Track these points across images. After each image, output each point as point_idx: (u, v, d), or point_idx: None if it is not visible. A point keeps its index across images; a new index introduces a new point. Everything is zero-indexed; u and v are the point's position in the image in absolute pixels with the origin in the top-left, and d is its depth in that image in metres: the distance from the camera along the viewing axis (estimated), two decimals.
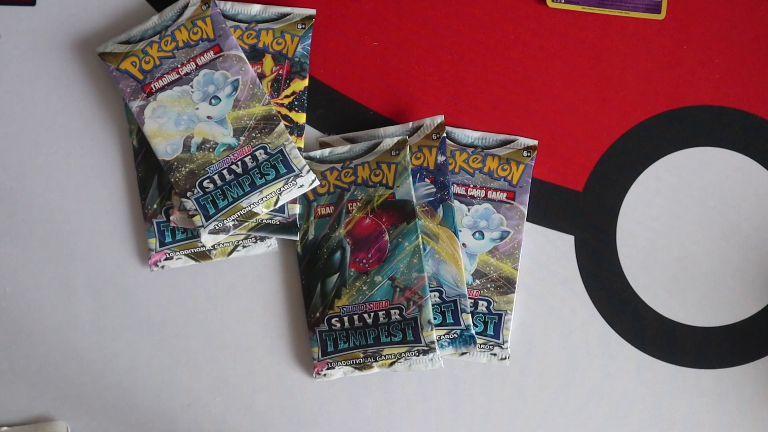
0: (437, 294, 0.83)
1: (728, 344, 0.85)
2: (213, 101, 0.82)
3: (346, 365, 0.83)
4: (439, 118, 0.83)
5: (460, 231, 0.84)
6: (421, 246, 0.82)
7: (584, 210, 0.86)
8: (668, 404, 0.85)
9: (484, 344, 0.84)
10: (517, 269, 0.84)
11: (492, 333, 0.84)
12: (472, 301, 0.84)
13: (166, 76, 0.83)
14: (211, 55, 0.83)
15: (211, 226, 0.81)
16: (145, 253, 0.85)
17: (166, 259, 0.84)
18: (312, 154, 0.84)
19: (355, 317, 0.82)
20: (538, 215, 0.85)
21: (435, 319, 0.82)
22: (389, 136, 0.84)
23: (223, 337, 0.85)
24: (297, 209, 0.84)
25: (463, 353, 0.84)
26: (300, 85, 0.84)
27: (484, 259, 0.84)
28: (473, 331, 0.83)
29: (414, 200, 0.83)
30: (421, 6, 0.85)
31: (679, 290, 0.86)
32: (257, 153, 0.82)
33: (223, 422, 0.85)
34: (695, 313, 0.86)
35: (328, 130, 0.86)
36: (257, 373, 0.85)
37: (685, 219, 0.86)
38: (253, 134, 0.82)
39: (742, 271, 0.86)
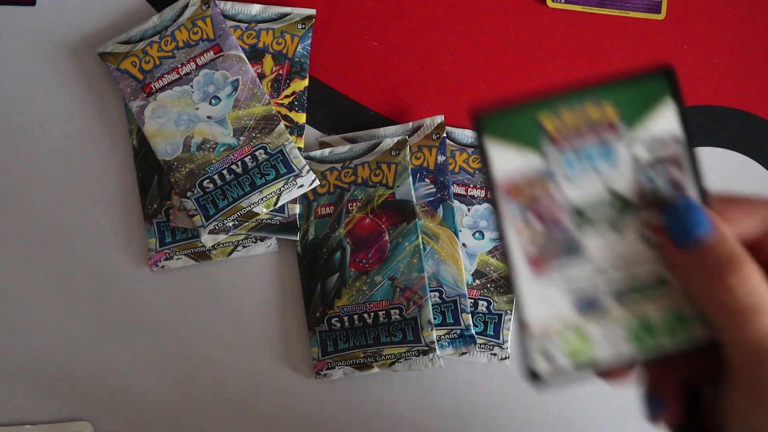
0: (437, 294, 0.83)
1: None
2: (213, 101, 0.83)
3: (346, 365, 0.83)
4: (439, 118, 0.83)
5: (460, 231, 0.84)
6: (421, 246, 0.82)
7: None
8: None
9: (485, 344, 0.84)
10: None
11: (492, 333, 0.84)
12: (472, 301, 0.84)
13: (166, 76, 0.83)
14: (211, 55, 0.83)
15: (211, 226, 0.81)
16: (145, 253, 0.85)
17: (166, 259, 0.84)
18: (312, 154, 0.84)
19: (355, 317, 0.82)
20: None
21: (435, 319, 0.82)
22: (389, 136, 0.84)
23: (222, 337, 0.85)
24: (297, 209, 0.84)
25: (463, 353, 0.84)
26: (300, 85, 0.84)
27: (484, 259, 0.84)
28: (473, 331, 0.83)
29: (414, 200, 0.83)
30: (421, 6, 0.86)
31: None
32: (257, 153, 0.82)
33: (223, 422, 0.85)
34: None
35: (328, 130, 0.86)
36: (257, 373, 0.85)
37: None
38: (253, 134, 0.82)
39: None
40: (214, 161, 0.82)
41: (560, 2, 0.85)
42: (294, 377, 0.85)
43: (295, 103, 0.84)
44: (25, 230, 0.85)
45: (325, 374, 0.84)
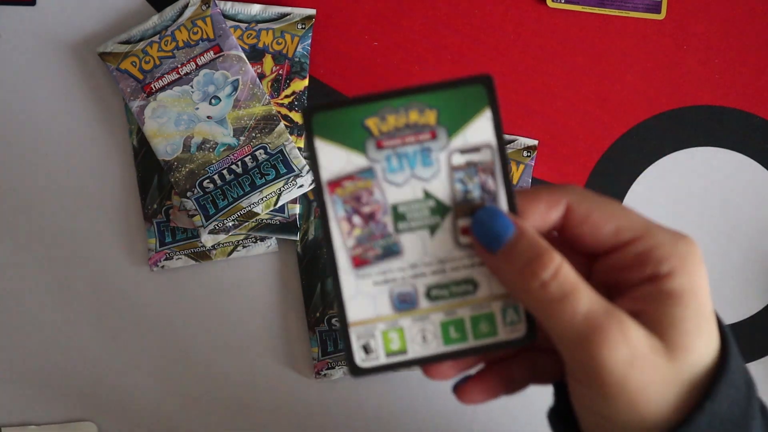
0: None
1: None
2: (213, 101, 0.83)
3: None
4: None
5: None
6: None
7: None
8: None
9: None
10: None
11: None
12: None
13: (166, 76, 0.83)
14: (211, 55, 0.83)
15: (211, 226, 0.81)
16: (145, 253, 0.85)
17: (166, 259, 0.84)
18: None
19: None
20: None
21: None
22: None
23: (223, 337, 0.85)
24: (297, 209, 0.84)
25: None
26: (300, 85, 0.84)
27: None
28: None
29: None
30: (421, 6, 0.85)
31: None
32: (257, 153, 0.82)
33: (223, 422, 0.85)
34: None
35: None
36: (257, 373, 0.85)
37: (685, 219, 0.86)
38: (253, 134, 0.82)
39: (742, 270, 0.86)
40: (214, 161, 0.82)
41: (560, 2, 0.85)
42: (294, 377, 0.85)
43: (295, 103, 0.84)
44: (25, 230, 0.85)
45: (325, 374, 0.84)
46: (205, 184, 0.82)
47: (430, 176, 0.52)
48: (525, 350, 0.56)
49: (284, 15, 0.84)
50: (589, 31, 0.86)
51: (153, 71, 0.83)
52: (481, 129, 0.51)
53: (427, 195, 0.52)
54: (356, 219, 0.52)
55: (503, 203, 0.52)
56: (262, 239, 0.84)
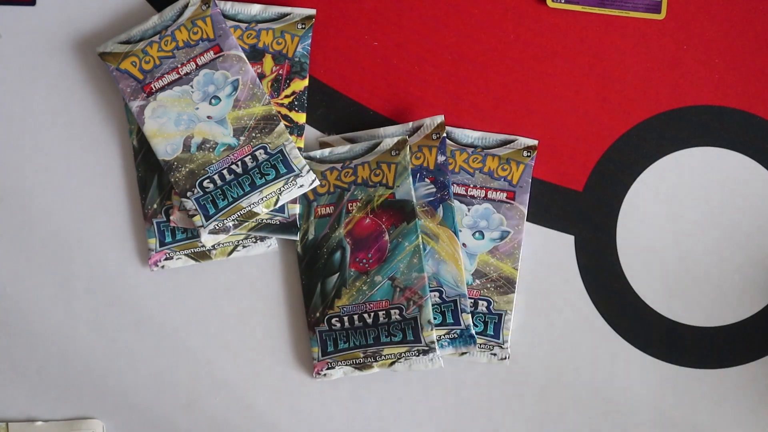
0: (437, 294, 0.83)
1: (728, 344, 0.85)
2: (213, 101, 0.82)
3: (346, 365, 0.83)
4: (439, 118, 0.83)
5: (460, 231, 0.84)
6: (421, 246, 0.82)
7: (584, 210, 0.86)
8: (668, 404, 0.85)
9: (485, 344, 0.84)
10: (517, 269, 0.84)
11: (492, 333, 0.84)
12: (472, 300, 0.84)
13: (166, 76, 0.83)
14: (211, 55, 0.83)
15: (211, 226, 0.81)
16: (145, 253, 0.85)
17: (166, 259, 0.84)
18: (312, 154, 0.84)
19: (355, 317, 0.82)
20: (539, 215, 0.85)
21: (435, 319, 0.82)
22: (389, 135, 0.84)
23: (223, 337, 0.85)
24: (297, 209, 0.84)
25: (463, 353, 0.84)
26: (300, 85, 0.84)
27: (484, 259, 0.84)
28: (473, 331, 0.83)
29: (414, 200, 0.83)
30: (421, 6, 0.85)
31: (680, 290, 0.86)
32: (257, 153, 0.82)
33: (223, 422, 0.85)
34: (696, 313, 0.85)
35: (328, 130, 0.86)
36: (257, 373, 0.85)
37: (685, 219, 0.86)
38: (253, 134, 0.82)
39: (742, 270, 0.85)
40: (214, 161, 0.82)
41: (560, 2, 0.85)
42: (294, 377, 0.85)
43: (295, 103, 0.84)
44: (25, 230, 0.85)
45: (325, 374, 0.84)
46: (205, 184, 0.82)
47: None
48: None
49: (284, 15, 0.84)
50: (589, 31, 0.86)
51: (153, 71, 0.83)
52: None
53: None
54: None
55: None
56: (262, 239, 0.84)
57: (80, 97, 0.85)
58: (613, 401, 0.85)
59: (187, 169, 0.82)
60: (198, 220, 0.81)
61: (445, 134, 0.84)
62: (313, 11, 0.84)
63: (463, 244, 0.84)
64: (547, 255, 0.85)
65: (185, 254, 0.84)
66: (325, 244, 0.83)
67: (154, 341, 0.85)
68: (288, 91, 0.84)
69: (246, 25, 0.84)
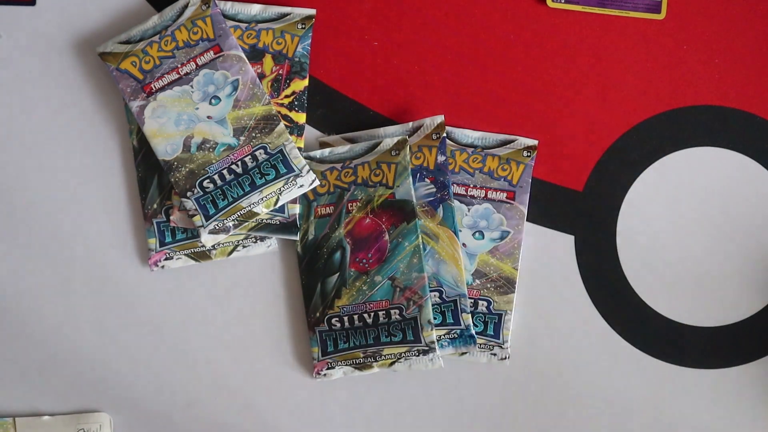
0: (437, 294, 0.83)
1: (728, 344, 0.85)
2: (213, 101, 0.82)
3: (346, 365, 0.83)
4: (439, 118, 0.83)
5: (460, 231, 0.84)
6: (421, 246, 0.82)
7: (584, 210, 0.86)
8: (668, 404, 0.85)
9: (484, 344, 0.84)
10: (517, 269, 0.84)
11: (492, 333, 0.84)
12: (472, 301, 0.84)
13: (166, 76, 0.83)
14: (211, 55, 0.83)
15: (211, 226, 0.81)
16: (145, 253, 0.85)
17: (166, 259, 0.84)
18: (312, 154, 0.84)
19: (355, 317, 0.82)
20: (538, 215, 0.85)
21: (435, 319, 0.82)
22: (389, 136, 0.84)
23: (223, 337, 0.85)
24: (297, 209, 0.84)
25: (463, 353, 0.84)
26: (300, 85, 0.84)
27: (484, 259, 0.84)
28: (473, 331, 0.83)
29: (414, 200, 0.83)
30: (422, 6, 0.85)
31: (680, 290, 0.86)
32: (257, 153, 0.82)
33: (223, 422, 0.85)
34: (695, 313, 0.86)
35: (328, 130, 0.86)
36: (257, 373, 0.85)
37: (685, 219, 0.86)
38: (253, 134, 0.82)
39: (742, 270, 0.86)
40: (214, 161, 0.82)
41: (560, 2, 0.85)
42: (294, 377, 0.85)
43: (295, 103, 0.84)
44: (25, 230, 0.85)
45: (325, 374, 0.84)
46: (205, 184, 0.82)
47: None
48: None
49: (284, 15, 0.84)
50: (589, 31, 0.86)
51: (153, 71, 0.83)
52: None
53: None
54: None
55: None
56: (262, 239, 0.84)
57: (80, 97, 0.85)
58: (613, 401, 0.85)
59: (187, 169, 0.82)
60: (198, 220, 0.81)
61: (445, 134, 0.84)
62: (313, 11, 0.84)
63: (463, 244, 0.84)
64: (547, 255, 0.85)
65: (185, 254, 0.84)
66: (325, 244, 0.83)
67: (154, 341, 0.85)
68: (288, 91, 0.84)
69: (246, 25, 0.84)
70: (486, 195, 0.84)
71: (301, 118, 0.84)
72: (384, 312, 0.82)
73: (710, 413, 0.85)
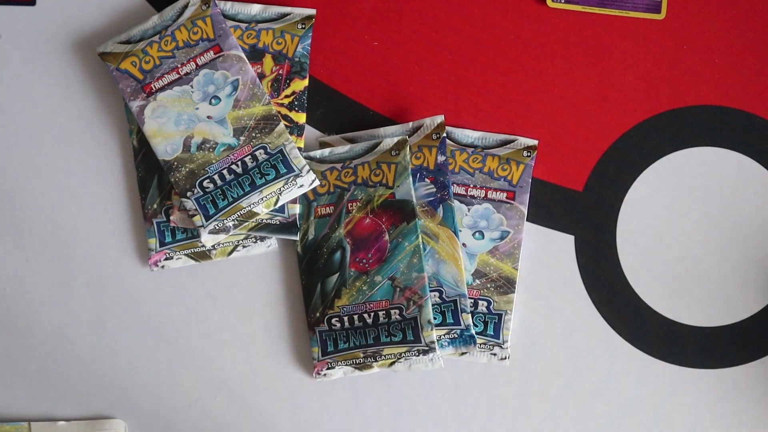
0: (437, 294, 0.83)
1: (728, 344, 0.85)
2: (213, 101, 0.82)
3: (346, 365, 0.83)
4: (439, 118, 0.83)
5: (460, 231, 0.84)
6: (421, 246, 0.82)
7: (584, 210, 0.86)
8: (668, 404, 0.85)
9: (484, 344, 0.84)
10: (517, 269, 0.84)
11: (492, 333, 0.84)
12: (472, 301, 0.84)
13: (166, 76, 0.83)
14: (211, 55, 0.83)
15: (211, 226, 0.81)
16: (145, 253, 0.85)
17: (166, 259, 0.84)
18: (312, 154, 0.84)
19: (355, 317, 0.82)
20: (538, 215, 0.85)
21: (435, 319, 0.82)
22: (389, 136, 0.84)
23: (223, 337, 0.85)
24: (297, 209, 0.84)
25: (463, 353, 0.84)
26: (300, 85, 0.84)
27: (484, 259, 0.84)
28: (473, 331, 0.83)
29: (414, 200, 0.83)
30: (421, 6, 0.85)
31: (680, 290, 0.86)
32: (257, 153, 0.82)
33: (223, 422, 0.85)
34: (696, 313, 0.86)
35: (328, 130, 0.86)
36: (257, 373, 0.85)
37: (685, 219, 0.86)
38: (253, 134, 0.82)
39: (742, 270, 0.86)
40: (214, 161, 0.82)
41: (560, 2, 0.85)
42: (294, 377, 0.85)
43: (295, 103, 0.84)
44: (25, 230, 0.85)
45: (325, 374, 0.84)
46: (205, 184, 0.82)
47: None
48: None
49: (284, 15, 0.84)
50: (589, 31, 0.86)
51: (153, 71, 0.83)
52: None
53: None
54: None
55: None
56: (262, 239, 0.84)
57: (80, 97, 0.85)
58: (613, 401, 0.85)
59: (187, 169, 0.82)
60: (198, 220, 0.81)
61: (445, 134, 0.84)
62: (313, 11, 0.84)
63: (463, 244, 0.84)
64: (547, 255, 0.85)
65: (185, 254, 0.84)
66: (325, 244, 0.83)
67: (154, 341, 0.85)
68: (288, 91, 0.84)
69: (246, 25, 0.84)
70: (486, 195, 0.84)
71: (301, 118, 0.84)
72: (384, 312, 0.82)
73: (710, 413, 0.85)
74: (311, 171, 0.82)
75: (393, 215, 0.83)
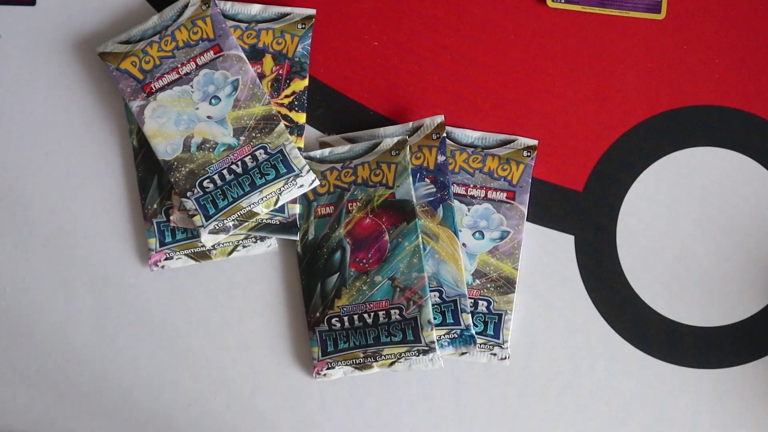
0: (437, 294, 0.83)
1: (728, 344, 0.85)
2: (213, 101, 0.82)
3: (346, 365, 0.83)
4: (439, 118, 0.83)
5: (460, 231, 0.84)
6: (421, 246, 0.82)
7: (584, 210, 0.86)
8: (668, 404, 0.85)
9: (484, 344, 0.84)
10: (517, 269, 0.84)
11: (492, 333, 0.84)
12: (472, 300, 0.84)
13: (166, 75, 0.83)
14: (211, 55, 0.83)
15: (211, 226, 0.81)
16: (145, 253, 0.85)
17: (166, 259, 0.84)
18: (312, 154, 0.84)
19: (355, 317, 0.82)
20: (538, 215, 0.85)
21: (435, 318, 0.82)
22: (389, 135, 0.84)
23: (223, 337, 0.85)
24: (297, 209, 0.84)
25: (463, 353, 0.84)
26: (300, 85, 0.84)
27: (484, 259, 0.84)
28: (473, 331, 0.83)
29: (414, 200, 0.83)
30: (422, 6, 0.85)
31: (680, 290, 0.86)
32: (257, 153, 0.82)
33: (224, 422, 0.85)
34: (696, 313, 0.86)
35: (328, 130, 0.86)
36: (257, 373, 0.85)
37: (685, 219, 0.86)
38: (253, 134, 0.82)
39: (742, 270, 0.86)
40: (214, 161, 0.82)
41: (560, 2, 0.85)
42: (294, 377, 0.85)
43: (295, 103, 0.84)
44: (25, 230, 0.85)
45: (325, 374, 0.84)
46: (205, 184, 0.82)
47: None
48: None
49: (284, 15, 0.84)
50: (589, 31, 0.86)
51: (153, 71, 0.83)
52: None
53: None
54: None
55: None
56: (262, 239, 0.84)
57: (80, 97, 0.85)
58: (613, 401, 0.85)
59: (187, 169, 0.82)
60: (198, 220, 0.81)
61: (445, 134, 0.84)
62: (313, 11, 0.84)
63: (463, 244, 0.84)
64: (547, 255, 0.85)
65: (185, 254, 0.84)
66: (325, 244, 0.83)
67: (154, 341, 0.85)
68: (288, 91, 0.84)
69: (246, 25, 0.84)
70: (486, 195, 0.84)
71: (301, 118, 0.84)
72: (384, 312, 0.82)
73: (710, 413, 0.85)
74: (311, 171, 0.82)
75: (393, 215, 0.83)
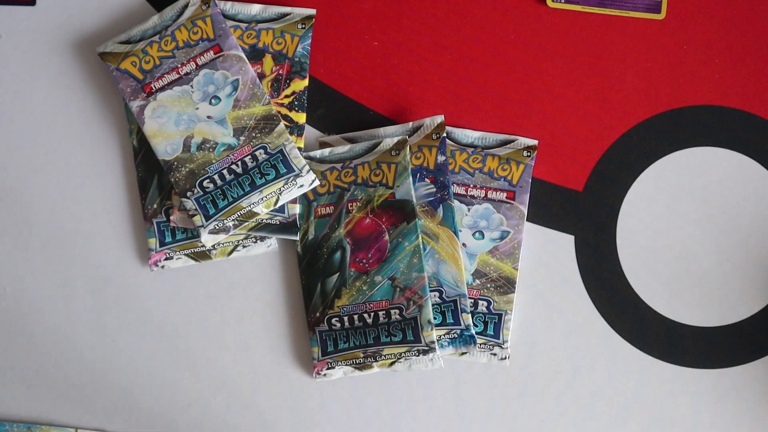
0: (437, 294, 0.83)
1: (728, 344, 0.85)
2: (213, 101, 0.82)
3: (346, 365, 0.83)
4: (439, 118, 0.83)
5: (460, 231, 0.84)
6: (421, 246, 0.82)
7: (584, 210, 0.86)
8: (668, 404, 0.85)
9: (484, 344, 0.84)
10: (517, 269, 0.84)
11: (492, 333, 0.84)
12: (472, 300, 0.84)
13: (166, 75, 0.83)
14: (211, 55, 0.83)
15: (211, 226, 0.81)
16: (145, 253, 0.85)
17: (166, 259, 0.84)
18: (312, 154, 0.84)
19: (355, 317, 0.82)
20: (539, 215, 0.85)
21: (435, 318, 0.82)
22: (389, 135, 0.84)
23: (223, 336, 0.85)
24: (297, 209, 0.84)
25: (463, 353, 0.84)
26: (300, 85, 0.84)
27: (484, 259, 0.84)
28: (473, 331, 0.83)
29: (414, 200, 0.83)
30: (422, 6, 0.85)
31: (680, 290, 0.86)
32: (257, 153, 0.82)
33: (224, 422, 0.85)
34: (695, 313, 0.86)
35: (328, 130, 0.86)
36: (257, 373, 0.85)
37: (685, 219, 0.86)
38: (253, 134, 0.82)
39: (742, 270, 0.86)
40: (214, 161, 0.82)
41: (560, 2, 0.85)
42: (294, 377, 0.85)
43: (295, 103, 0.84)
44: (25, 230, 0.85)
45: (325, 374, 0.84)
46: (205, 184, 0.82)
47: None
48: None
49: (284, 15, 0.84)
50: (589, 31, 0.86)
51: (153, 71, 0.83)
52: None
53: None
54: None
55: None
56: (262, 239, 0.84)
57: (80, 97, 0.85)
58: (613, 401, 0.85)
59: (187, 169, 0.82)
60: (198, 220, 0.81)
61: (445, 134, 0.84)
62: (313, 11, 0.84)
63: (463, 244, 0.84)
64: (547, 255, 0.85)
65: (185, 254, 0.84)
66: (325, 244, 0.83)
67: (154, 341, 0.85)
68: (288, 91, 0.84)
69: (246, 25, 0.84)
70: (486, 195, 0.84)
71: (301, 118, 0.84)
72: (384, 312, 0.82)
73: (710, 413, 0.85)
74: (311, 171, 0.82)
75: (393, 215, 0.83)
